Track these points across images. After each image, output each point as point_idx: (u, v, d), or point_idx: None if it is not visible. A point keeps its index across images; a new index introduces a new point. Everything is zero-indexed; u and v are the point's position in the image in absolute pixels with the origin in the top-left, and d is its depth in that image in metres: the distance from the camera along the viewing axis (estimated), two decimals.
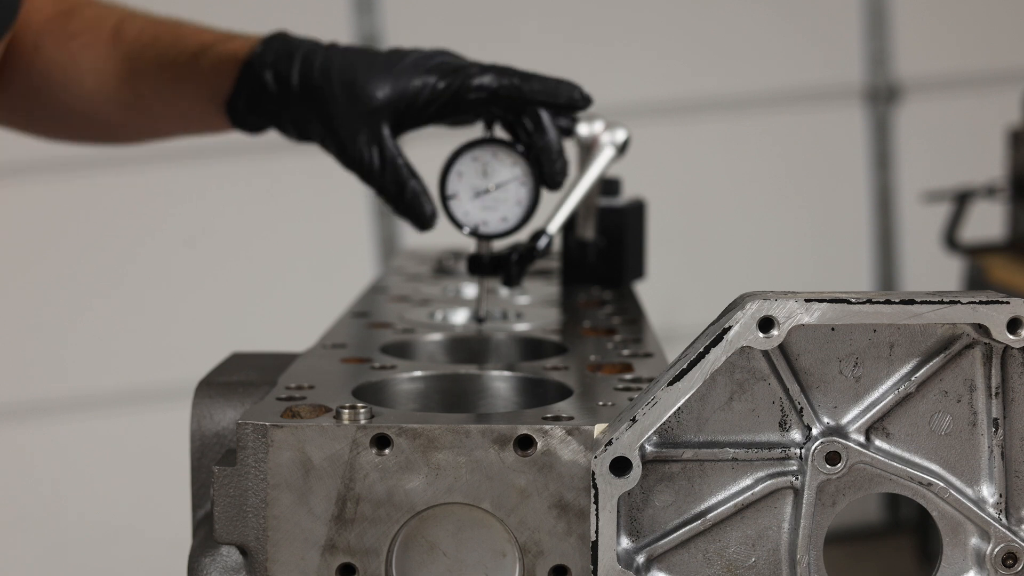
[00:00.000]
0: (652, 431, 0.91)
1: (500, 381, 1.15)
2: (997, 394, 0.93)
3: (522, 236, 1.38)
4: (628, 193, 1.65)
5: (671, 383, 0.91)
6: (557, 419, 0.94)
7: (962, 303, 0.90)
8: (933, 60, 4.46)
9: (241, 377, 1.15)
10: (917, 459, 0.94)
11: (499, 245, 1.37)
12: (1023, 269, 3.47)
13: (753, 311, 0.90)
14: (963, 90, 4.44)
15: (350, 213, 4.18)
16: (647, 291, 1.68)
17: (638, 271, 1.65)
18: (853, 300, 0.91)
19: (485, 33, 4.08)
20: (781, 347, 0.92)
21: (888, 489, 0.94)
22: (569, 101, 1.31)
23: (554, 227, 1.37)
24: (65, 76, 1.44)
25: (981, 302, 0.91)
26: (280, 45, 1.34)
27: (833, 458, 0.93)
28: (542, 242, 1.36)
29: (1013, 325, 0.91)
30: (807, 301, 0.90)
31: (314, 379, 1.07)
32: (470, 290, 1.58)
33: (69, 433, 4.06)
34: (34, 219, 4.04)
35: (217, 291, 4.12)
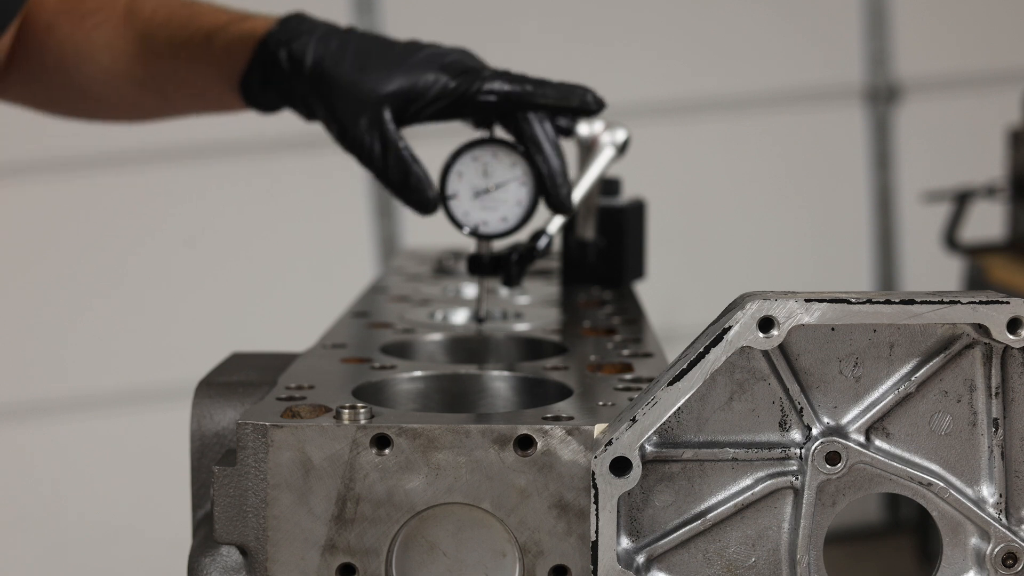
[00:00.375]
0: (652, 431, 0.91)
1: (500, 381, 1.15)
2: (997, 394, 0.93)
3: (522, 236, 1.38)
4: (628, 193, 1.65)
5: (671, 383, 0.91)
6: (557, 419, 0.94)
7: (962, 303, 0.90)
8: (933, 60, 4.46)
9: (241, 377, 1.15)
10: (917, 459, 0.94)
11: (499, 245, 1.37)
12: (1023, 269, 3.47)
13: (753, 311, 0.90)
14: (963, 90, 4.44)
15: (350, 213, 4.18)
16: (647, 291, 1.68)
17: (638, 271, 1.65)
18: (853, 300, 0.91)
19: (485, 33, 4.08)
20: (781, 347, 0.92)
21: (888, 489, 0.94)
22: (582, 105, 1.31)
23: (554, 227, 1.37)
24: (78, 56, 1.44)
25: (981, 302, 0.91)
26: (297, 25, 1.34)
27: (833, 458, 0.93)
28: (542, 242, 1.36)
29: (1013, 325, 0.91)
30: (807, 301, 0.90)
31: (314, 379, 1.07)
32: (470, 290, 1.58)
33: (69, 433, 4.06)
34: (34, 219, 4.04)
35: (217, 291, 4.12)
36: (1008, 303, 0.91)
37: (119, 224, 4.08)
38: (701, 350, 0.91)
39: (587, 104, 1.31)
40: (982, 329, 0.91)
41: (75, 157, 3.99)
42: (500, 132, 1.35)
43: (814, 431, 0.93)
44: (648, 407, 0.91)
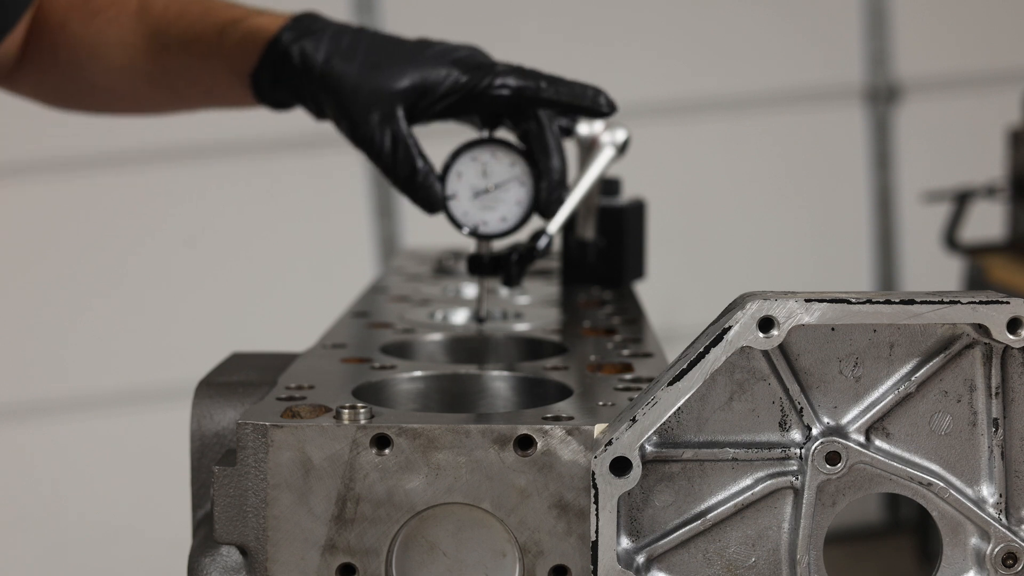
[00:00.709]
0: (652, 431, 0.91)
1: (500, 381, 1.15)
2: (997, 394, 0.93)
3: (522, 236, 1.38)
4: (628, 193, 1.65)
5: (671, 383, 0.91)
6: (557, 419, 0.94)
7: (962, 303, 0.90)
8: (933, 60, 4.46)
9: (241, 377, 1.15)
10: (917, 459, 0.94)
11: (499, 245, 1.37)
12: (1023, 269, 3.47)
13: (753, 311, 0.90)
14: (963, 90, 4.44)
15: (350, 213, 4.18)
16: (647, 291, 1.68)
17: (638, 271, 1.65)
18: (853, 300, 0.91)
19: (485, 33, 4.07)
20: (781, 347, 0.92)
21: (888, 489, 0.94)
22: (593, 106, 1.30)
23: (554, 227, 1.37)
24: (91, 52, 1.45)
25: (981, 302, 0.91)
26: (309, 23, 1.34)
27: (833, 458, 0.93)
28: (542, 242, 1.36)
29: (1013, 325, 0.91)
30: (807, 301, 0.90)
31: (314, 379, 1.07)
32: (470, 290, 1.58)
33: (69, 433, 4.06)
34: (34, 219, 4.04)
35: (217, 291, 4.12)
36: (1008, 303, 0.91)
37: (119, 224, 4.08)
38: (701, 350, 0.91)
39: (599, 105, 1.31)
40: (982, 329, 0.91)
41: (75, 157, 3.99)
42: (502, 132, 1.35)
43: (814, 431, 0.93)
44: (648, 407, 0.91)
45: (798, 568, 0.93)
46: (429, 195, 1.29)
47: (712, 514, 0.93)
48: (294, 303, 4.05)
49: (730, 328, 0.90)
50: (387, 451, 0.93)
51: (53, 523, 4.07)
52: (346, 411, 0.94)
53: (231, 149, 4.06)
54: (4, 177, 3.98)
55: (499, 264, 1.36)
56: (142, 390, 4.07)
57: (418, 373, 1.14)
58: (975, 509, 0.94)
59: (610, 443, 0.91)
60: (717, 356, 0.91)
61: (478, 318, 1.38)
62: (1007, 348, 0.92)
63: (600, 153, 1.44)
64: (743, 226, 4.41)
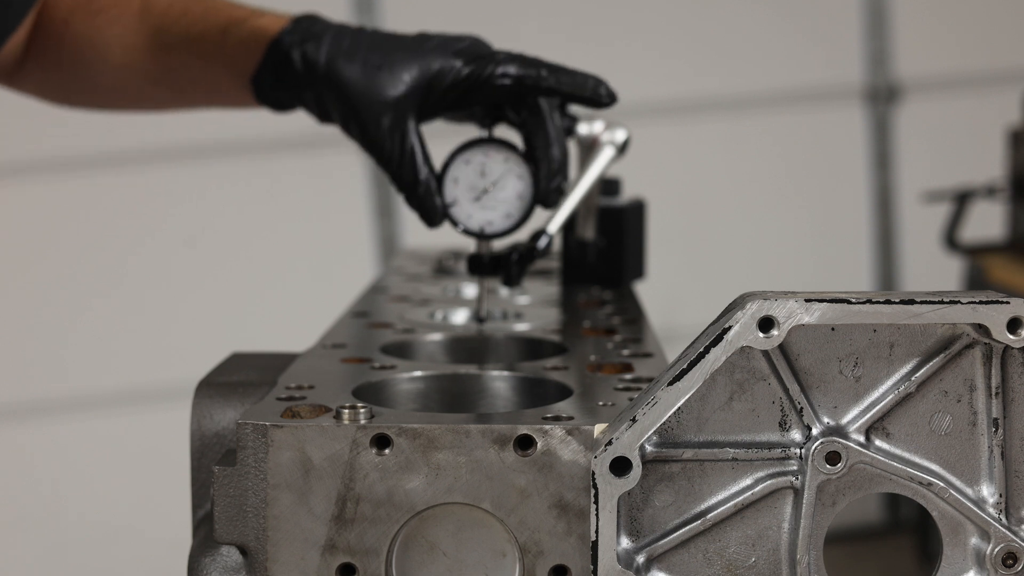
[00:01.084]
0: (652, 431, 0.91)
1: (500, 381, 1.15)
2: (997, 394, 0.93)
3: (522, 236, 1.38)
4: (628, 193, 1.65)
5: (671, 383, 0.91)
6: (557, 419, 0.94)
7: (962, 303, 0.90)
8: (933, 60, 4.46)
9: (241, 377, 1.15)
10: (917, 459, 0.94)
11: (499, 245, 1.37)
12: (1023, 269, 3.47)
13: (753, 311, 0.90)
14: (963, 90, 4.44)
15: (350, 213, 4.18)
16: (647, 291, 1.68)
17: (638, 271, 1.65)
18: (853, 300, 0.91)
19: (485, 33, 4.06)
20: (781, 347, 0.92)
21: (888, 489, 0.94)
22: (594, 96, 1.31)
23: (554, 227, 1.37)
24: (94, 50, 1.46)
25: (981, 302, 0.91)
26: (310, 25, 1.34)
27: (833, 458, 0.93)
28: (542, 242, 1.36)
29: (1013, 325, 0.91)
30: (807, 301, 0.90)
31: (314, 379, 1.07)
32: (470, 290, 1.58)
33: (69, 433, 4.06)
34: (34, 219, 4.04)
35: (217, 291, 4.12)
36: (1008, 303, 0.91)
37: (119, 224, 4.08)
38: (701, 350, 0.91)
39: (599, 96, 1.31)
40: (982, 329, 0.91)
41: (75, 157, 3.99)
42: (500, 129, 1.35)
43: (814, 431, 0.93)
44: (648, 407, 0.91)
45: (798, 568, 0.93)
46: (426, 207, 1.30)
47: (712, 514, 0.93)
48: (294, 303, 4.05)
49: (730, 328, 0.90)
50: (387, 451, 0.93)
51: (53, 523, 4.07)
52: (346, 411, 0.94)
53: (231, 149, 4.06)
54: (4, 177, 3.98)
55: (499, 264, 1.36)
56: (142, 390, 4.07)
57: (418, 373, 1.14)
58: (975, 509, 0.94)
59: (610, 443, 0.91)
60: (717, 356, 0.91)
61: (478, 318, 1.38)
62: (1007, 348, 0.92)
63: (600, 153, 1.44)
64: (743, 226, 4.41)
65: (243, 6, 1.41)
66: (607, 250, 1.61)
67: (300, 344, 1.39)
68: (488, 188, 1.32)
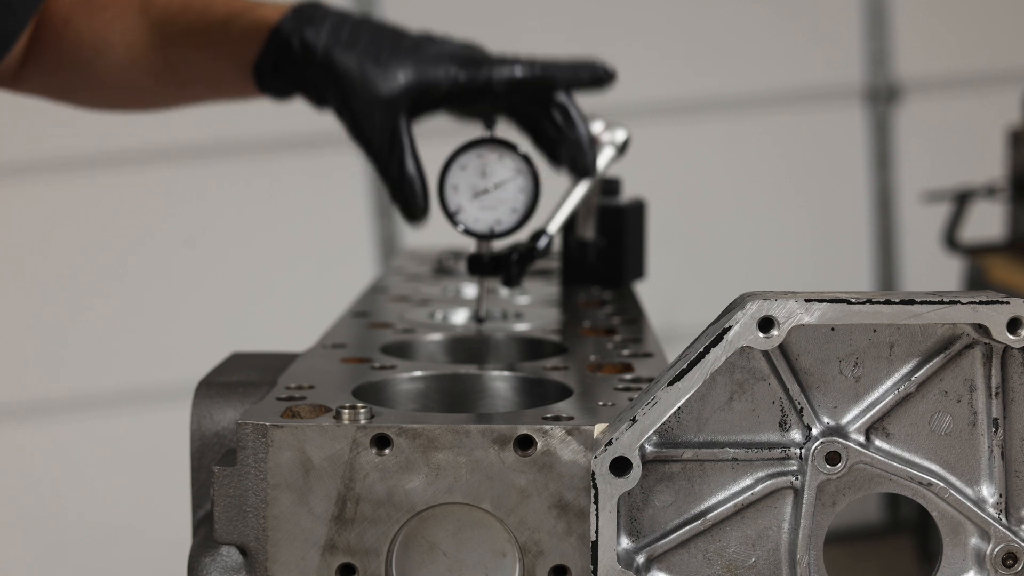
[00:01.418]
0: (652, 431, 0.91)
1: (500, 381, 1.15)
2: (997, 394, 0.93)
3: (522, 236, 1.38)
4: (628, 193, 1.65)
5: (671, 383, 0.91)
6: (557, 419, 0.94)
7: (962, 303, 0.90)
8: (933, 60, 4.46)
9: (241, 377, 1.15)
10: (917, 459, 0.94)
11: (499, 245, 1.37)
12: (1023, 269, 3.47)
13: (753, 311, 0.90)
14: (963, 90, 4.44)
15: (350, 213, 4.18)
16: (647, 291, 1.68)
17: (638, 271, 1.65)
18: (853, 300, 0.91)
19: (485, 33, 4.07)
20: (781, 347, 0.92)
21: (888, 489, 0.94)
22: (593, 79, 1.33)
23: (554, 227, 1.37)
24: (95, 48, 1.47)
25: (981, 302, 0.91)
26: (311, 12, 1.35)
27: (833, 458, 0.93)
28: (542, 242, 1.36)
29: (1013, 325, 0.91)
30: (807, 301, 0.90)
31: (314, 379, 1.07)
32: (470, 290, 1.58)
33: (69, 433, 4.06)
34: (34, 219, 4.04)
35: (217, 291, 4.12)
36: (1008, 303, 0.91)
37: (119, 224, 4.08)
38: (701, 350, 0.91)
39: (599, 77, 1.33)
40: (982, 329, 0.91)
41: (75, 157, 3.99)
42: (502, 128, 1.35)
43: (814, 431, 0.93)
44: (648, 407, 0.91)
45: (798, 568, 0.93)
46: (408, 203, 1.30)
47: (712, 514, 0.93)
48: (294, 303, 4.05)
49: (730, 328, 0.91)
50: (387, 451, 0.93)
51: (53, 523, 4.07)
52: (346, 411, 0.94)
53: (231, 149, 4.06)
54: (4, 177, 3.98)
55: (499, 264, 1.36)
56: (142, 390, 4.07)
57: (418, 373, 1.14)
58: (975, 509, 0.94)
59: (610, 443, 0.91)
60: (717, 356, 0.91)
61: (478, 318, 1.38)
62: (1007, 348, 0.92)
63: (600, 153, 1.44)
64: (743, 226, 4.41)
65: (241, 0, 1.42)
66: (607, 250, 1.61)
67: (300, 344, 1.39)
68: (490, 188, 1.32)
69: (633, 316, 1.42)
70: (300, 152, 4.06)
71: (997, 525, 0.93)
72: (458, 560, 0.94)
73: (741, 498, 0.93)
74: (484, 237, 1.33)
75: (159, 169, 4.03)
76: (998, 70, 4.43)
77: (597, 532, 0.91)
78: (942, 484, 0.93)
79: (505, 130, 1.35)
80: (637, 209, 1.65)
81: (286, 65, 1.34)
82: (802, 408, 0.93)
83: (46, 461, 4.07)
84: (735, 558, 0.94)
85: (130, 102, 1.58)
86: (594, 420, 0.94)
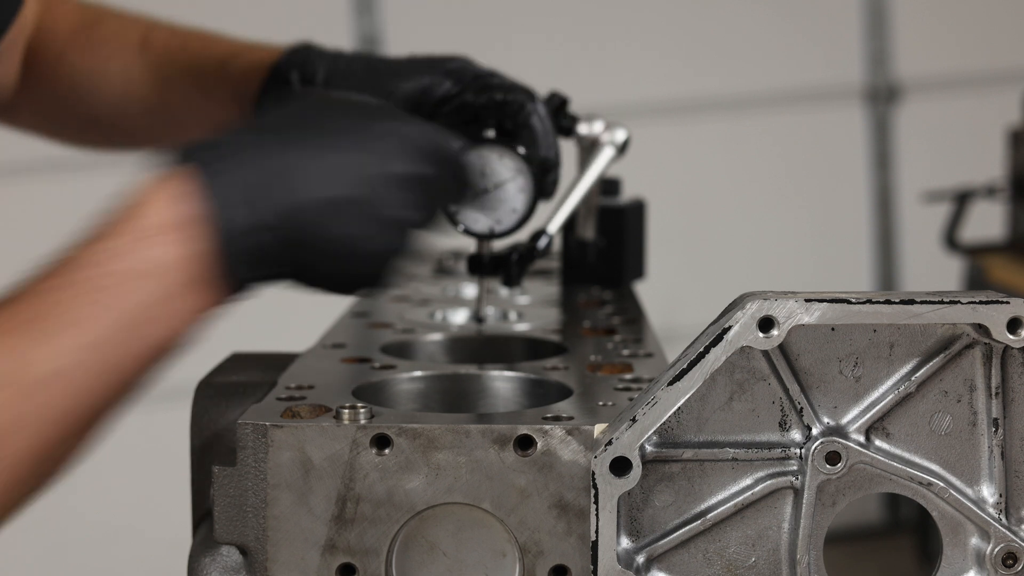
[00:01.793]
0: (652, 431, 0.92)
1: (500, 381, 1.15)
2: (997, 394, 0.93)
3: (522, 236, 1.38)
4: (628, 193, 1.65)
5: (671, 383, 0.91)
6: (557, 419, 0.94)
7: (962, 303, 0.90)
8: (933, 60, 4.46)
9: (241, 377, 1.15)
10: (917, 459, 0.94)
11: (499, 245, 1.37)
12: (1023, 269, 3.47)
13: (753, 311, 0.90)
14: (963, 90, 4.44)
15: None
16: (647, 291, 1.68)
17: (638, 271, 1.65)
18: (853, 300, 0.91)
19: (485, 33, 4.08)
20: (781, 347, 0.92)
21: (888, 489, 0.94)
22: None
23: (554, 227, 1.37)
24: (91, 83, 1.47)
25: (981, 302, 0.91)
26: (307, 51, 1.37)
27: (833, 458, 0.93)
28: (542, 242, 1.36)
29: (1013, 325, 0.91)
30: (807, 301, 0.90)
31: (314, 379, 1.07)
32: (470, 290, 1.58)
33: None
34: (34, 219, 4.04)
35: None
36: (1008, 303, 0.91)
37: None
38: (701, 350, 0.91)
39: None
40: (982, 329, 0.91)
41: (75, 157, 3.98)
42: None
43: (814, 431, 0.93)
44: (648, 407, 0.91)
45: (798, 568, 0.93)
46: None
47: (712, 514, 0.93)
48: (294, 303, 4.04)
49: (730, 328, 0.91)
50: (387, 451, 0.93)
51: (53, 523, 4.07)
52: (346, 411, 0.94)
53: None
54: (4, 177, 3.98)
55: (499, 264, 1.36)
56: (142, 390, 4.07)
57: (418, 373, 1.14)
58: (975, 509, 0.94)
59: (610, 443, 0.91)
60: (717, 356, 0.91)
61: (478, 318, 1.38)
62: (1007, 348, 0.92)
63: (600, 153, 1.44)
64: (743, 226, 4.41)
65: (237, 41, 1.44)
66: (607, 250, 1.61)
67: (300, 344, 1.39)
68: (490, 188, 1.31)
69: (633, 316, 1.42)
70: None
71: (997, 525, 0.93)
72: (458, 560, 0.94)
73: (741, 498, 0.93)
74: (484, 237, 1.33)
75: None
76: (998, 70, 4.42)
77: (597, 532, 0.91)
78: (942, 484, 0.93)
79: None
80: (637, 209, 1.65)
81: (287, 99, 1.35)
82: (802, 408, 0.93)
83: None
84: (735, 558, 0.94)
85: (122, 140, 1.58)
86: (594, 420, 0.94)
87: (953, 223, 3.62)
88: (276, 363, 1.18)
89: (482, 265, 1.36)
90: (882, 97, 4.43)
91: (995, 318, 0.91)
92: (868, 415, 0.93)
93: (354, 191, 1.04)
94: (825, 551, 0.94)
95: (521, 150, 1.32)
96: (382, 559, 0.93)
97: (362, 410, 0.94)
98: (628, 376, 1.10)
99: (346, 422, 0.93)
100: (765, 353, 0.92)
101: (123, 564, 4.07)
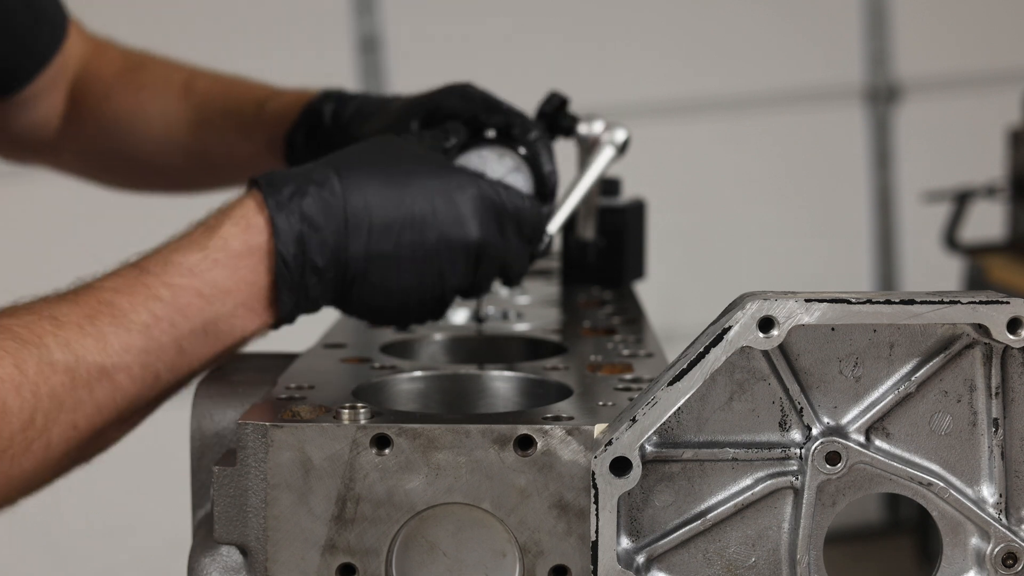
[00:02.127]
0: (652, 431, 0.92)
1: (500, 381, 1.15)
2: (997, 394, 0.93)
3: None
4: (628, 193, 1.65)
5: (671, 383, 0.91)
6: (557, 419, 0.94)
7: (962, 303, 0.91)
8: (933, 60, 4.46)
9: (241, 377, 1.15)
10: (917, 459, 0.94)
11: None
12: (1023, 269, 3.47)
13: (753, 311, 0.90)
14: (963, 90, 4.44)
15: None
16: (647, 291, 1.68)
17: (638, 271, 1.65)
18: (853, 300, 0.91)
19: (485, 34, 4.08)
20: (781, 347, 0.92)
21: (888, 489, 0.94)
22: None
23: (554, 227, 1.37)
24: (133, 123, 1.53)
25: (981, 302, 0.91)
26: (339, 93, 1.44)
27: (833, 458, 0.93)
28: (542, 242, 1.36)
29: (1013, 325, 0.91)
30: (807, 301, 0.90)
31: (314, 379, 1.07)
32: None
33: None
34: (34, 219, 4.04)
35: None
36: (1008, 303, 0.91)
37: (119, 224, 4.08)
38: (701, 350, 0.91)
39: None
40: (982, 329, 0.91)
41: None
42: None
43: (814, 431, 0.93)
44: (648, 407, 0.91)
45: (798, 568, 0.93)
46: None
47: (712, 514, 0.93)
48: None
49: (730, 328, 0.91)
50: (387, 451, 0.93)
51: (53, 523, 4.07)
52: (346, 411, 0.94)
53: None
54: (4, 177, 3.98)
55: None
56: None
57: (418, 373, 1.14)
58: (975, 509, 0.94)
59: (610, 443, 0.91)
60: (717, 356, 0.91)
61: (478, 318, 1.38)
62: (1007, 348, 0.92)
63: (600, 153, 1.44)
64: (743, 226, 4.41)
65: (274, 86, 1.51)
66: (607, 250, 1.61)
67: (300, 344, 1.39)
68: None
69: (633, 316, 1.42)
70: None
71: (997, 525, 0.93)
72: (458, 560, 0.94)
73: (741, 498, 0.93)
74: None
75: None
76: (998, 70, 4.43)
77: (597, 532, 0.92)
78: (942, 484, 0.93)
79: None
80: (637, 209, 1.65)
81: (318, 133, 1.41)
82: (802, 408, 0.93)
83: None
84: (735, 558, 0.94)
85: (158, 182, 1.65)
86: (594, 420, 0.94)
87: (953, 223, 3.62)
88: (276, 363, 1.18)
89: None
90: (882, 97, 4.43)
91: (995, 318, 0.91)
92: (868, 415, 0.93)
93: (408, 251, 1.09)
94: (825, 551, 0.94)
95: (522, 150, 1.32)
96: (382, 559, 0.93)
97: (362, 410, 0.94)
98: (628, 376, 1.10)
99: (346, 422, 0.93)
100: (765, 353, 0.92)
101: (123, 564, 4.07)
